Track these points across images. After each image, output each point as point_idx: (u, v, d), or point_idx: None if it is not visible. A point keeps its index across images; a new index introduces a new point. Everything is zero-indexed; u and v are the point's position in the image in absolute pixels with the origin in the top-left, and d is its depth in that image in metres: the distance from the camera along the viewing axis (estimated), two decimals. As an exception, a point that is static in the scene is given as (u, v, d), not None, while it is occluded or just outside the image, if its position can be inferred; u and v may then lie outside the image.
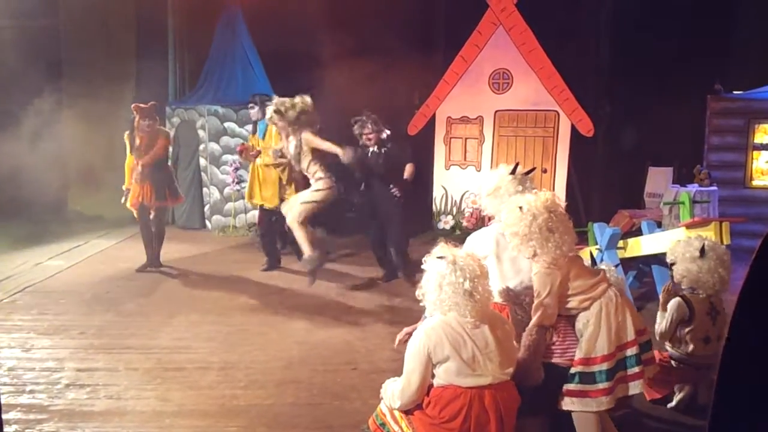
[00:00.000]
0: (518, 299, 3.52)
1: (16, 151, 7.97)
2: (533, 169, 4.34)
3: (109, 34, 10.56)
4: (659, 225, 7.08)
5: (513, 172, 3.90)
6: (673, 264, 4.23)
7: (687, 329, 3.99)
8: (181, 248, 8.74)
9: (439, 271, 2.99)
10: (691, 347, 3.99)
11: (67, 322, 5.83)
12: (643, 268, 6.81)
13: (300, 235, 6.50)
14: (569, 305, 3.37)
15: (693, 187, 8.44)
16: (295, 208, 6.49)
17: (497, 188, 3.85)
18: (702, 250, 4.00)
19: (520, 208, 3.35)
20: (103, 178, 9.89)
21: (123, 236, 9.59)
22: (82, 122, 8.81)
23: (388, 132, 7.07)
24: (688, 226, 5.79)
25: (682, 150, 9.50)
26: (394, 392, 3.08)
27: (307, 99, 6.49)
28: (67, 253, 8.46)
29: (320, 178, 6.50)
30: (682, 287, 4.12)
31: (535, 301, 3.33)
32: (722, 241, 5.43)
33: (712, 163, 9.27)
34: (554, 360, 3.39)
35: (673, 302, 4.05)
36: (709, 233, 5.49)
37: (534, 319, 3.34)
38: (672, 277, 4.32)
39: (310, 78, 10.16)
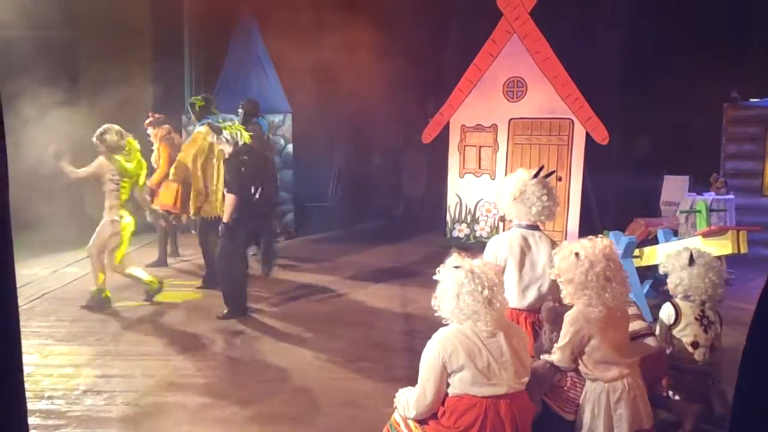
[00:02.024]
0: (557, 321, 3.40)
1: (34, 158, 8.07)
2: (553, 172, 4.37)
3: (126, 45, 10.67)
4: (675, 234, 7.04)
5: (536, 175, 3.92)
6: (666, 276, 4.31)
7: (674, 331, 4.03)
8: (198, 255, 8.77)
9: (456, 281, 2.97)
10: (678, 350, 3.99)
11: (84, 329, 5.88)
12: (659, 276, 6.76)
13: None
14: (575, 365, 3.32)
15: (709, 196, 8.38)
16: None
17: (522, 192, 3.88)
18: (690, 258, 4.11)
19: (576, 254, 3.24)
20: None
21: (139, 243, 9.66)
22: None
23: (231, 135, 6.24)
24: (705, 235, 5.75)
25: (699, 158, 9.44)
26: (408, 401, 3.08)
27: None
28: (83, 261, 8.51)
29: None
30: (678, 296, 4.16)
31: (558, 342, 3.31)
32: (740, 250, 5.40)
33: (729, 172, 9.21)
34: (553, 404, 3.36)
35: (662, 308, 4.13)
36: (726, 242, 5.46)
37: (551, 355, 3.34)
38: (667, 290, 4.38)
39: (324, 87, 10.22)
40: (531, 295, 3.84)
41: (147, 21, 10.83)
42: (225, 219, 6.04)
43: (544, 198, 3.86)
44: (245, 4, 10.18)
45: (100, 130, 6.40)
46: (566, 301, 3.35)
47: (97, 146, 6.38)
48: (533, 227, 3.96)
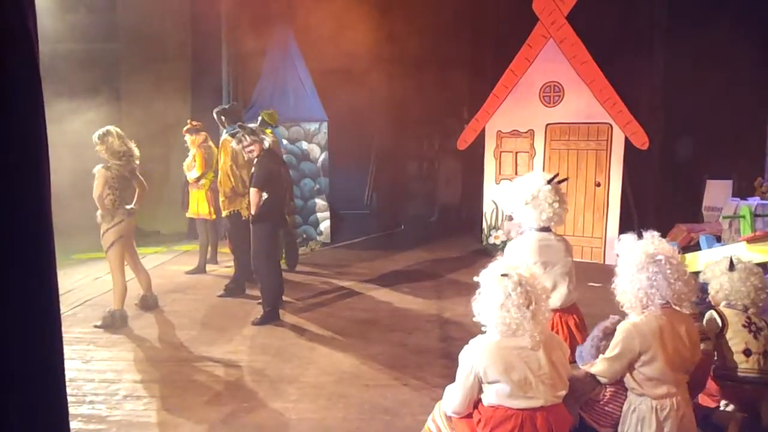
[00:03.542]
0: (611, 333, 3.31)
1: (76, 167, 8.29)
2: (566, 179, 4.48)
3: (166, 56, 10.90)
4: (718, 239, 6.87)
5: (550, 182, 3.99)
6: (707, 284, 4.22)
7: (723, 341, 3.89)
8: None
9: (503, 291, 2.84)
10: (729, 359, 3.85)
11: (125, 335, 6.00)
12: (702, 283, 6.60)
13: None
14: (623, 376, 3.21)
15: (754, 200, 8.14)
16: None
17: (534, 197, 3.98)
18: (731, 263, 4.05)
19: (626, 259, 3.22)
20: (160, 195, 10.19)
21: (180, 251, 9.84)
22: (140, 140, 9.13)
23: (271, 139, 6.56)
24: (749, 241, 5.60)
25: (742, 162, 9.20)
26: (444, 397, 3.10)
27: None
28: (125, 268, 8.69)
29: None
30: (720, 303, 4.06)
31: (606, 353, 3.20)
32: (786, 257, 5.24)
33: (774, 176, 8.95)
34: (588, 418, 3.28)
35: (705, 316, 4.02)
36: (771, 248, 5.31)
37: (594, 365, 3.24)
38: (708, 299, 4.27)
39: (360, 95, 10.26)
40: (559, 295, 3.88)
41: (188, 34, 11.02)
42: (252, 211, 6.30)
43: (556, 205, 3.97)
44: (281, 14, 10.30)
45: (102, 131, 6.24)
46: (622, 308, 3.27)
47: (97, 146, 6.22)
48: (546, 229, 4.06)
